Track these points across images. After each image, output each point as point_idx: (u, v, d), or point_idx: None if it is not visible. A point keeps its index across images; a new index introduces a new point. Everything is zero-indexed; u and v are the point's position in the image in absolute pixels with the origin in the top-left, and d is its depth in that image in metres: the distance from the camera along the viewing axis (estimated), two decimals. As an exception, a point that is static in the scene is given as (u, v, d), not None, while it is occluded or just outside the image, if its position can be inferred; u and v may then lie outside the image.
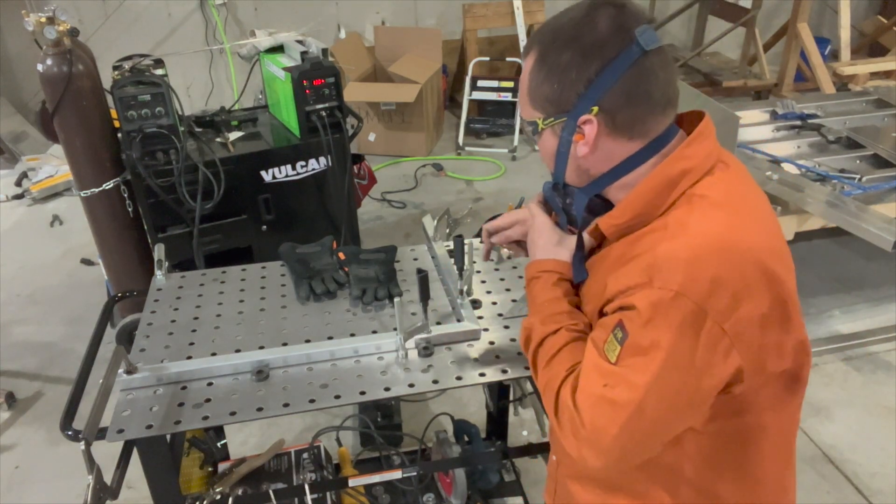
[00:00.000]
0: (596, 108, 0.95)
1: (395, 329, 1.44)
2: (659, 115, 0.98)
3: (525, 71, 1.01)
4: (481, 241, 1.38)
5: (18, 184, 4.60)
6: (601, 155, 1.00)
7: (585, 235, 1.10)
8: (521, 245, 1.30)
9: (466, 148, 4.99)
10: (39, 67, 2.42)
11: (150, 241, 2.73)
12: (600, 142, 0.98)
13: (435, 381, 1.40)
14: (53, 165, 4.67)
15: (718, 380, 0.90)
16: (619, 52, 0.92)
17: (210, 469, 1.92)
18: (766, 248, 0.92)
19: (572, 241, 1.12)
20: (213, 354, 1.48)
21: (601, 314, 0.99)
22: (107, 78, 2.55)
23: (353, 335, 1.54)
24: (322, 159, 2.82)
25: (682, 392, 0.89)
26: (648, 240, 0.95)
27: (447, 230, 1.85)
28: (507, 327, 1.57)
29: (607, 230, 1.03)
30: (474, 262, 1.65)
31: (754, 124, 3.35)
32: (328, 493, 1.92)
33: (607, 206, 1.05)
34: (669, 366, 0.87)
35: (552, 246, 1.13)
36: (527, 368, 1.42)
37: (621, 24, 0.92)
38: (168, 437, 1.45)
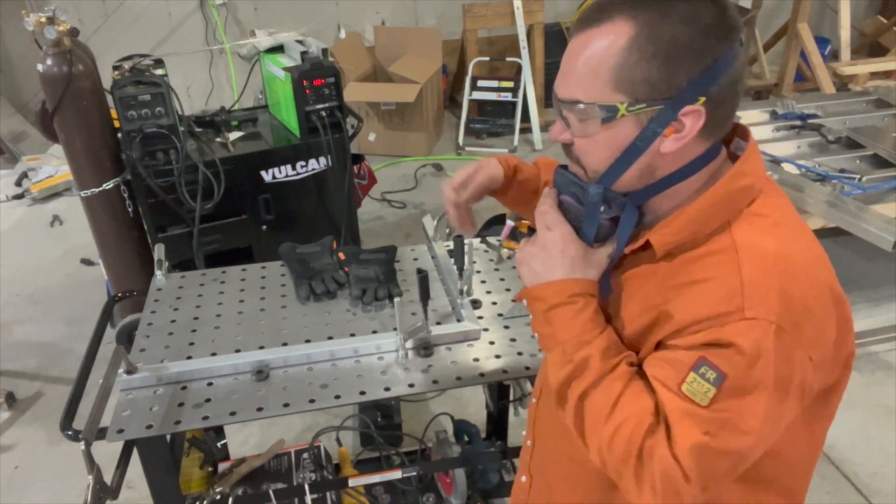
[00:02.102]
0: (703, 98, 0.82)
1: (395, 329, 1.44)
2: (733, 115, 0.89)
3: (605, 44, 0.83)
4: (446, 214, 1.22)
5: (18, 184, 4.60)
6: (679, 154, 0.87)
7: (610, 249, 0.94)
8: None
9: (466, 148, 4.99)
10: (39, 67, 2.42)
11: (150, 241, 2.73)
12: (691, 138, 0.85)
13: (435, 381, 1.40)
14: (53, 165, 4.67)
15: (801, 404, 0.86)
16: (738, 36, 0.83)
17: (210, 469, 1.92)
18: (828, 267, 0.88)
19: (601, 255, 0.93)
20: (213, 354, 1.48)
21: (658, 346, 0.87)
22: (107, 78, 2.55)
23: (353, 335, 1.54)
24: (322, 159, 2.82)
25: (781, 422, 0.84)
26: (714, 262, 0.85)
27: (447, 230, 1.85)
28: (507, 327, 1.57)
29: (661, 248, 0.89)
30: (474, 262, 1.65)
31: (754, 124, 3.35)
32: (328, 493, 1.92)
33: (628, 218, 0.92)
34: (773, 402, 0.81)
35: (581, 262, 0.91)
36: (527, 369, 1.43)
37: (735, 5, 0.86)
38: (168, 437, 1.45)
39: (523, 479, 1.21)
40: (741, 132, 0.95)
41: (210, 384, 1.40)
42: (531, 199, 1.23)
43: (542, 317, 0.92)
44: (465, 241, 1.62)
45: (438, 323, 1.55)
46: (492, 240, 1.86)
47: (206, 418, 1.32)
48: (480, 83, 5.02)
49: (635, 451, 0.81)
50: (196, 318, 1.62)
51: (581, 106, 0.85)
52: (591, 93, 0.85)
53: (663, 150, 0.86)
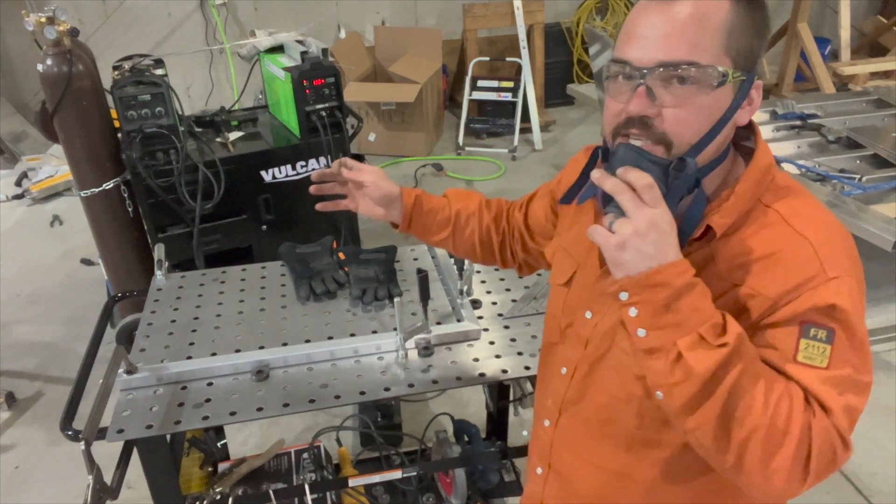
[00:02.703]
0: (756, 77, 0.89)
1: (395, 329, 1.44)
2: None
3: (715, 9, 0.83)
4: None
5: (18, 184, 4.60)
6: (731, 131, 0.90)
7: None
8: None
9: (466, 148, 4.99)
10: (39, 67, 2.42)
11: (150, 241, 2.73)
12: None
13: (435, 381, 1.40)
14: (53, 165, 4.67)
15: None
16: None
17: (210, 469, 1.92)
18: None
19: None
20: (213, 354, 1.48)
21: (755, 327, 0.85)
22: (107, 78, 2.55)
23: (353, 335, 1.54)
24: (322, 159, 2.82)
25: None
26: (771, 235, 0.87)
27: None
28: (507, 327, 1.57)
29: (721, 230, 0.88)
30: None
31: (754, 124, 3.35)
32: (328, 493, 1.92)
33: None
34: (868, 345, 0.85)
35: (676, 242, 0.82)
36: (527, 369, 1.43)
37: None
38: (168, 437, 1.45)
39: None
40: None
41: (210, 384, 1.40)
42: (441, 227, 1.30)
43: (664, 306, 0.79)
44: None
45: (438, 323, 1.55)
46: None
47: (206, 418, 1.32)
48: (480, 83, 5.02)
49: (798, 432, 0.77)
50: (196, 318, 1.62)
51: (695, 69, 0.83)
52: (708, 55, 0.83)
53: (740, 123, 0.89)
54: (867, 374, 0.84)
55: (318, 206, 1.30)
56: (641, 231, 0.79)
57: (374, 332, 1.56)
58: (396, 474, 1.70)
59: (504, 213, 1.33)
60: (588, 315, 1.03)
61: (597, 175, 0.83)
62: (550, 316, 1.15)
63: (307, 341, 1.53)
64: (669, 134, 0.85)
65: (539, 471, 1.17)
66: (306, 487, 1.69)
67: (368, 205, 1.26)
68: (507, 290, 1.70)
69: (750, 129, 0.95)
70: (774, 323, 0.83)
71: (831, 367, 0.81)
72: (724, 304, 0.84)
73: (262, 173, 2.75)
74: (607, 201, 0.83)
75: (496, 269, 1.78)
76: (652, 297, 0.79)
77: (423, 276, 1.40)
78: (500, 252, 1.33)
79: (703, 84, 0.83)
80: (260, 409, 1.33)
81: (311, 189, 1.26)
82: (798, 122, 3.32)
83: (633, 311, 0.81)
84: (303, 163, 2.80)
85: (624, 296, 0.82)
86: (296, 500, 1.74)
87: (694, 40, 0.83)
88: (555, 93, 5.48)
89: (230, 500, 1.59)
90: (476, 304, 1.64)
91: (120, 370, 1.36)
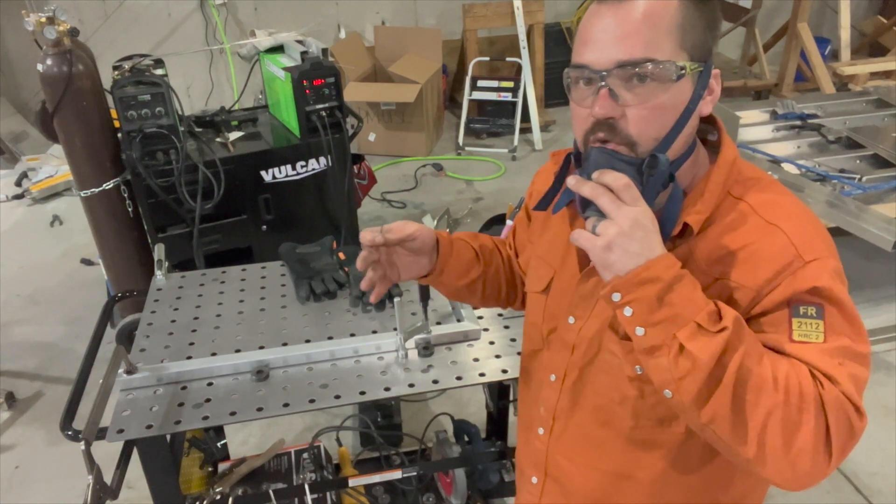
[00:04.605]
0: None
1: (395, 329, 1.44)
2: None
3: (665, 4, 0.84)
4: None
5: (18, 184, 4.60)
6: (695, 123, 0.91)
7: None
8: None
9: (466, 148, 4.99)
10: (39, 67, 2.42)
11: (150, 241, 2.73)
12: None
13: (435, 381, 1.40)
14: (53, 165, 4.67)
15: None
16: None
17: (210, 469, 1.92)
18: None
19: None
20: (213, 354, 1.48)
21: (745, 319, 0.84)
22: (107, 78, 2.55)
23: (353, 335, 1.54)
24: (322, 159, 2.82)
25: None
26: (746, 228, 0.88)
27: (447, 230, 1.85)
28: (507, 327, 1.57)
29: (697, 226, 0.89)
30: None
31: (754, 124, 3.35)
32: (328, 493, 1.92)
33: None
34: (860, 319, 0.86)
35: (659, 237, 0.83)
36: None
37: (735, 4, 0.92)
38: (168, 437, 1.45)
39: None
40: None
41: (210, 384, 1.40)
42: (472, 265, 1.19)
43: (658, 301, 0.79)
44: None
45: (438, 323, 1.55)
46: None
47: (206, 418, 1.32)
48: (480, 83, 5.02)
49: (813, 405, 0.77)
50: (196, 318, 1.63)
51: (653, 65, 0.83)
52: (665, 51, 0.84)
53: (704, 113, 0.90)
54: (864, 345, 0.84)
55: (372, 299, 1.12)
56: (626, 231, 0.79)
57: (374, 332, 1.56)
58: (396, 474, 1.70)
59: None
60: (571, 320, 1.03)
61: (573, 182, 0.83)
62: (530, 324, 1.14)
63: (307, 341, 1.53)
64: (635, 134, 0.86)
65: (534, 480, 1.16)
66: (306, 487, 1.69)
67: (408, 263, 1.12)
68: (507, 290, 1.70)
69: (712, 124, 0.98)
70: (763, 311, 0.85)
71: (828, 340, 0.82)
72: (710, 297, 0.85)
73: (262, 173, 2.75)
74: (586, 206, 0.84)
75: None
76: (644, 293, 0.80)
77: (423, 276, 1.40)
78: (517, 289, 1.27)
79: (662, 79, 0.84)
80: (260, 409, 1.33)
81: (364, 280, 1.10)
82: (798, 122, 3.33)
83: (627, 311, 0.81)
84: (303, 163, 2.80)
85: (616, 296, 0.81)
86: (296, 500, 1.74)
87: (649, 38, 0.83)
88: (555, 93, 5.48)
89: (230, 500, 1.59)
90: (476, 304, 1.64)
91: (120, 370, 1.36)
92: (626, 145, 0.86)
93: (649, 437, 0.98)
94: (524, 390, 1.21)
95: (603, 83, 0.85)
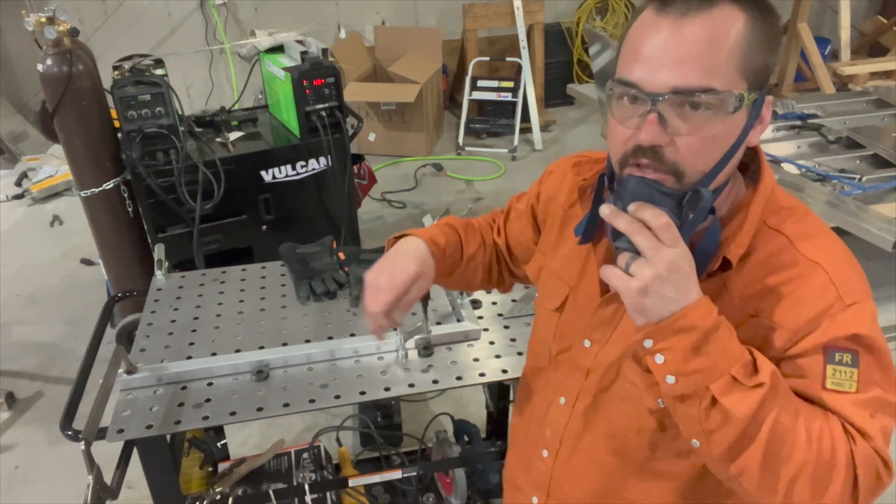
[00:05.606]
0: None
1: (395, 329, 1.44)
2: None
3: (728, 29, 0.77)
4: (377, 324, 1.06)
5: (18, 184, 4.60)
6: (743, 152, 0.84)
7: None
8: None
9: (466, 148, 4.99)
10: (39, 67, 2.42)
11: (150, 241, 2.73)
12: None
13: (435, 381, 1.40)
14: (53, 165, 4.67)
15: None
16: None
17: (210, 469, 1.92)
18: None
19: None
20: (213, 354, 1.48)
21: (778, 359, 0.82)
22: (107, 78, 2.55)
23: (353, 335, 1.54)
24: (322, 159, 2.82)
25: None
26: (783, 262, 0.83)
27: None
28: (507, 327, 1.57)
29: (736, 260, 0.84)
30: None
31: (754, 124, 3.35)
32: (328, 493, 1.92)
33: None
34: (892, 365, 0.83)
35: (696, 280, 0.78)
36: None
37: None
38: (168, 437, 1.45)
39: None
40: None
41: (210, 384, 1.40)
42: (457, 258, 1.17)
43: (693, 351, 0.74)
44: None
45: (438, 323, 1.55)
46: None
47: (206, 418, 1.32)
48: (480, 83, 5.02)
49: (844, 461, 0.75)
50: (196, 318, 1.62)
51: (713, 96, 0.76)
52: (724, 78, 0.77)
53: (752, 144, 0.83)
54: (893, 394, 0.81)
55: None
56: (663, 275, 0.74)
57: (374, 332, 1.55)
58: (396, 474, 1.70)
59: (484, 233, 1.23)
60: (587, 343, 0.98)
61: (607, 212, 0.78)
62: (538, 341, 1.10)
63: (307, 341, 1.53)
64: (681, 164, 0.79)
65: (535, 500, 1.12)
66: (306, 487, 1.69)
67: (411, 293, 1.08)
68: (507, 290, 1.70)
69: (751, 148, 0.90)
70: (798, 354, 0.81)
71: (860, 390, 0.79)
72: (743, 335, 0.80)
73: (262, 173, 2.75)
74: (617, 235, 0.79)
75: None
76: (679, 342, 0.75)
77: (423, 276, 1.40)
78: (499, 275, 1.25)
79: (718, 110, 0.77)
80: (260, 409, 1.33)
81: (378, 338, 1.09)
82: (798, 122, 3.32)
83: (659, 358, 0.77)
84: (303, 163, 2.80)
85: (649, 343, 0.77)
86: (296, 500, 1.74)
87: (708, 64, 0.76)
88: (555, 93, 5.48)
89: (230, 500, 1.59)
90: (476, 303, 1.64)
91: (120, 370, 1.36)
92: (669, 174, 0.80)
93: (664, 468, 0.94)
94: (524, 406, 1.17)
95: (654, 108, 0.77)
